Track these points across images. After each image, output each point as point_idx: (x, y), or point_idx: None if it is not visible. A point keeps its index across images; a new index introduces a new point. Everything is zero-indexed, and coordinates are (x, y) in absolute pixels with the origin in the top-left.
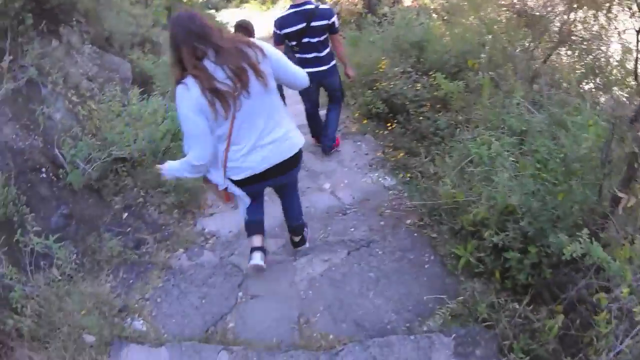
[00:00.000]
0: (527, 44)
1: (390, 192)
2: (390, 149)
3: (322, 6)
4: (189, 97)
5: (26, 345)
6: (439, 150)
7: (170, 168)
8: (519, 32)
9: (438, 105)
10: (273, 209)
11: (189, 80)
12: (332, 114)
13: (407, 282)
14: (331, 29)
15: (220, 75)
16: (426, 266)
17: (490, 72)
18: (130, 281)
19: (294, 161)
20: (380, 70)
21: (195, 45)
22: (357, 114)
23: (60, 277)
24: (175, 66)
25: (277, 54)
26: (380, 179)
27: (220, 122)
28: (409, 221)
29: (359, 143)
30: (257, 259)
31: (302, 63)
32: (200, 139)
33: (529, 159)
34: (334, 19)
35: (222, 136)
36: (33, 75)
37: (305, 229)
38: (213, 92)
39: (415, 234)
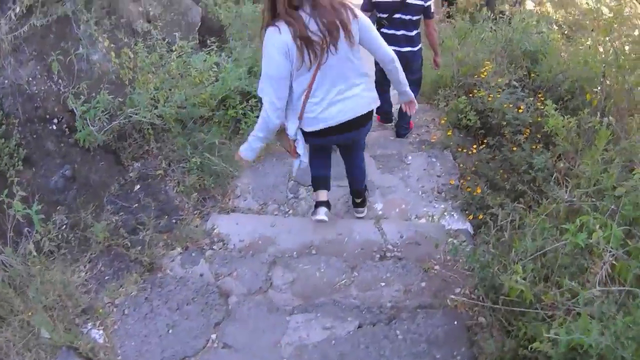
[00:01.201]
0: None
1: (450, 240)
2: (470, 176)
3: None
4: (280, 39)
5: None
6: (526, 195)
7: (244, 148)
8: None
9: (538, 135)
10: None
11: (282, 25)
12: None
13: None
14: (425, 13)
15: (314, 26)
16: None
17: (610, 117)
18: (106, 277)
19: (366, 119)
20: (482, 75)
21: None
22: (443, 120)
23: (35, 254)
24: (268, 11)
25: (367, 21)
26: (444, 217)
27: (303, 71)
28: (458, 290)
29: (434, 160)
30: (321, 214)
31: (389, 39)
32: (278, 82)
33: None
34: (430, 2)
35: (302, 86)
36: (68, 11)
37: (366, 192)
38: (304, 39)
39: (455, 322)
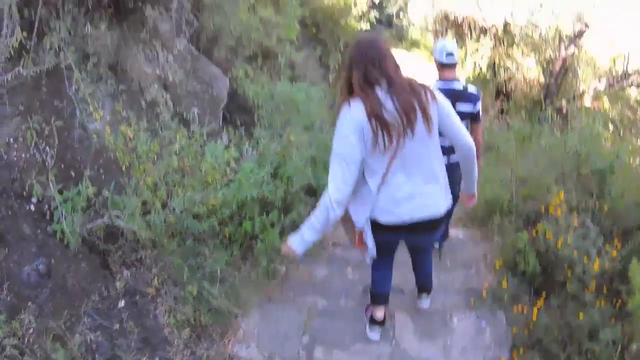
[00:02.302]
0: None
1: None
2: (523, 348)
3: (470, 88)
4: (352, 117)
5: None
6: None
7: (294, 239)
8: None
9: (604, 288)
10: None
11: (356, 102)
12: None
13: None
14: (474, 117)
15: (389, 106)
16: None
17: None
18: None
19: (439, 222)
20: (550, 209)
21: (369, 70)
22: (497, 264)
23: None
24: (343, 88)
25: (446, 103)
26: None
27: (377, 154)
28: None
29: (483, 325)
30: (375, 335)
31: None
32: (348, 164)
33: None
34: (479, 105)
35: (376, 172)
36: (61, 62)
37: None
38: (378, 119)
39: None
